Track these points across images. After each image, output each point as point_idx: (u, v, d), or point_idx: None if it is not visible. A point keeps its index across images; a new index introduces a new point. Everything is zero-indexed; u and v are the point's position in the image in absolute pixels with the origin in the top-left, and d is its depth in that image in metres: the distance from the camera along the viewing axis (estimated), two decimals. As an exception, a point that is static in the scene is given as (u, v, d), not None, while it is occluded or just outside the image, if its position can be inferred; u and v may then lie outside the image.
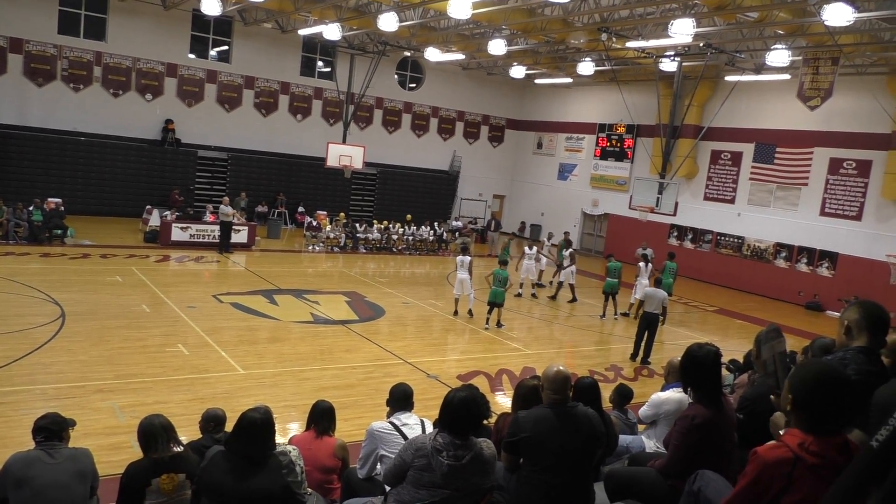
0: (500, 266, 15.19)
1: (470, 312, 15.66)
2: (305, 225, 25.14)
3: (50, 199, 20.62)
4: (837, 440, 2.52)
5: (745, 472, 2.61)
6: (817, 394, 2.52)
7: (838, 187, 22.16)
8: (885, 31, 16.99)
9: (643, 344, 13.31)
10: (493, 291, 14.78)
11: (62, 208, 20.49)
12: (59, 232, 19.33)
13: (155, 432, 4.30)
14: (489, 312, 14.95)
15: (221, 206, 20.86)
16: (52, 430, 4.39)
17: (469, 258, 15.85)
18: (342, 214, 25.78)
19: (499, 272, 14.91)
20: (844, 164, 21.96)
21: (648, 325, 13.20)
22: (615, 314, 17.32)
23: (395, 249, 24.95)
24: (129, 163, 25.11)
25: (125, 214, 24.36)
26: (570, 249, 18.90)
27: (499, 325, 15.00)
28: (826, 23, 14.17)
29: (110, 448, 6.99)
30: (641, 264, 17.99)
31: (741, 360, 8.78)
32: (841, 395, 2.52)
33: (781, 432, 3.00)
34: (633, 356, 13.46)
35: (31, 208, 19.48)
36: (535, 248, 19.27)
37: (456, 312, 15.68)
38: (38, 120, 23.68)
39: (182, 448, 4.43)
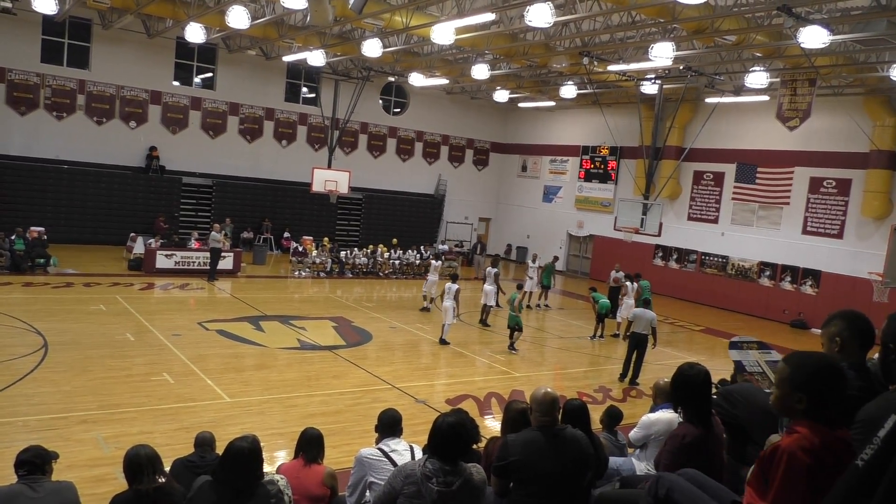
0: (516, 290, 15.48)
1: (444, 341, 15.21)
2: (291, 250, 25.06)
3: (33, 228, 20.48)
4: (844, 434, 2.50)
5: (774, 472, 2.45)
6: (829, 384, 2.46)
7: (819, 206, 22.44)
8: (859, 52, 17.35)
9: (632, 365, 13.34)
10: (510, 316, 14.97)
11: (45, 237, 20.34)
12: (42, 261, 19.13)
13: (141, 463, 4.22)
14: (511, 336, 15.09)
15: (212, 234, 20.77)
16: (34, 463, 4.31)
17: (457, 287, 15.74)
18: (326, 239, 25.75)
19: (514, 296, 15.21)
20: (824, 183, 22.27)
21: (637, 345, 13.23)
22: (601, 335, 17.36)
23: (381, 274, 24.91)
24: (112, 190, 25.00)
25: (109, 242, 24.19)
26: (496, 269, 18.54)
27: (511, 348, 15.00)
28: (802, 45, 14.46)
29: (94, 480, 6.88)
30: (628, 283, 18.13)
31: (729, 380, 8.80)
32: (845, 386, 2.52)
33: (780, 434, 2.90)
34: (622, 377, 13.47)
35: (13, 237, 19.30)
36: (531, 270, 20.09)
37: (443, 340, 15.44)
38: (21, 148, 23.56)
39: (166, 479, 4.36)
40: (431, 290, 18.88)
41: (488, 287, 17.91)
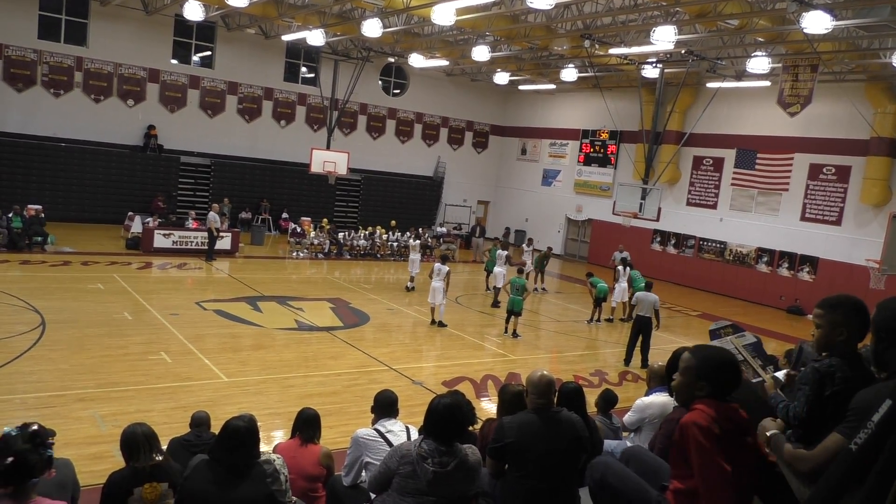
0: (518, 275, 15.34)
1: (440, 323, 15.17)
2: (289, 231, 25.03)
3: (30, 206, 20.40)
4: (732, 404, 3.04)
5: (687, 447, 2.85)
6: (728, 376, 3.07)
7: (818, 192, 22.42)
8: (862, 38, 17.25)
9: (639, 348, 13.39)
10: (511, 300, 14.76)
11: (42, 215, 20.27)
12: (40, 239, 19.10)
13: (137, 441, 4.24)
14: (507, 321, 14.95)
15: (211, 213, 20.73)
16: (32, 440, 4.33)
17: (447, 268, 15.49)
18: (325, 220, 25.71)
19: (516, 280, 14.96)
20: (824, 170, 22.23)
21: (641, 328, 13.29)
22: (598, 319, 17.41)
23: (379, 255, 24.91)
24: (110, 169, 24.90)
25: (106, 221, 24.12)
26: (506, 252, 18.56)
27: (514, 335, 14.83)
28: (805, 30, 14.36)
29: (92, 458, 6.92)
30: (619, 267, 18.21)
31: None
32: (735, 370, 3.14)
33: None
34: (627, 361, 13.50)
35: (10, 215, 19.23)
36: (526, 254, 20.44)
37: (432, 321, 15.34)
38: (18, 125, 23.42)
39: (164, 457, 4.38)
40: (414, 268, 19.32)
41: (499, 269, 17.93)
